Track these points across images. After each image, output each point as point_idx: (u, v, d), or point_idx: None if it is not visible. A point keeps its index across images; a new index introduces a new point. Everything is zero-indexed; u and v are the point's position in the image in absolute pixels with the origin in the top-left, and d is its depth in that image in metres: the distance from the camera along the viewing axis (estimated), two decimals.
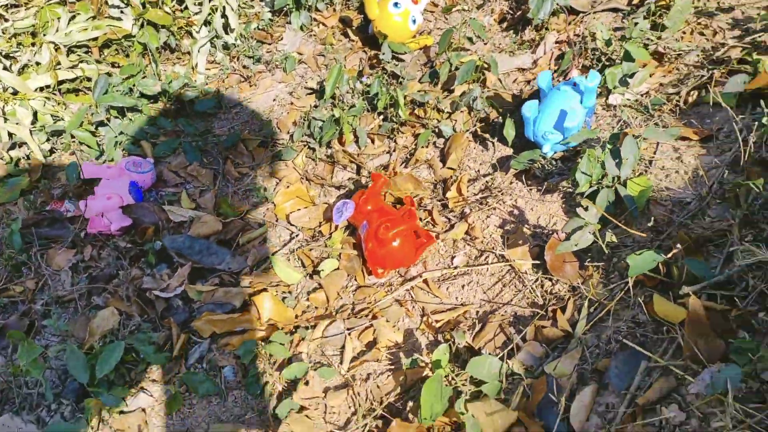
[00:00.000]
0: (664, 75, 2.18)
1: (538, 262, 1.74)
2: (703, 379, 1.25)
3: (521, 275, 1.74)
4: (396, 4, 2.51)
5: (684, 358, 1.34)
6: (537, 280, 1.71)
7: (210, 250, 1.99)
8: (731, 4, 2.32)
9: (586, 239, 1.58)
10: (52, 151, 2.44)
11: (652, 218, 1.62)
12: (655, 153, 1.90)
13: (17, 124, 2.43)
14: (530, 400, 1.43)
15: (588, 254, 1.68)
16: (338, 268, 1.91)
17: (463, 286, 1.79)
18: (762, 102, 1.66)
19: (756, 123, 1.69)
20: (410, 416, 1.49)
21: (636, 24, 2.22)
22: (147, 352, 1.73)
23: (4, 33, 2.68)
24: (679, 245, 1.48)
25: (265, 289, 1.86)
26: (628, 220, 1.69)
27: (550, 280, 1.69)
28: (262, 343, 1.74)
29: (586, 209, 1.59)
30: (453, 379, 1.47)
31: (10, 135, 2.44)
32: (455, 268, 1.83)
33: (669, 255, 1.47)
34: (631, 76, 2.14)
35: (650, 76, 2.18)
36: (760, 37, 2.10)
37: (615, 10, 2.48)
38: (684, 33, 2.30)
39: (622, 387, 1.38)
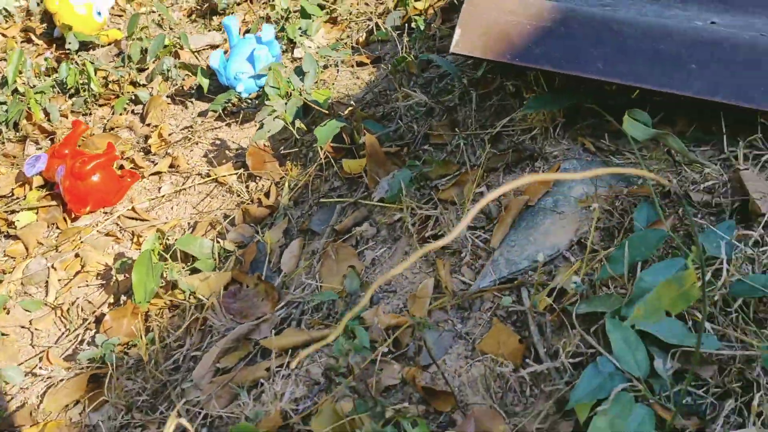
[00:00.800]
0: (338, 32, 2.43)
1: (241, 170, 1.81)
2: (382, 187, 1.38)
3: (228, 185, 1.79)
4: None
5: (369, 192, 1.48)
6: (243, 181, 1.76)
7: None
8: None
9: (276, 124, 1.68)
10: None
11: (342, 104, 1.78)
12: (336, 78, 2.09)
13: None
14: (243, 264, 1.46)
15: (283, 150, 1.78)
16: (36, 220, 1.79)
17: (172, 208, 1.78)
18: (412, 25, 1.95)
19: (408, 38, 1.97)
20: (123, 299, 1.44)
21: None
22: None
23: None
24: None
25: None
26: (314, 120, 1.84)
27: (254, 180, 1.76)
28: None
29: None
30: (164, 259, 1.45)
31: None
32: (163, 196, 1.82)
33: (350, 120, 1.63)
34: (309, 34, 2.35)
35: (327, 33, 2.41)
36: None
37: None
38: (352, 4, 2.59)
39: (322, 229, 1.47)
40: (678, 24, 1.26)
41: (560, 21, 1.24)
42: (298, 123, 1.70)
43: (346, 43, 2.28)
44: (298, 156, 1.78)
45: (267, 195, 1.67)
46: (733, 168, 1.13)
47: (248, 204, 1.66)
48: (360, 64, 2.13)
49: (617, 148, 1.27)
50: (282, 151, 1.79)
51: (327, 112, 1.70)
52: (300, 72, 1.92)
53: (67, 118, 2.21)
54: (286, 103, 1.77)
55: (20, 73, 2.28)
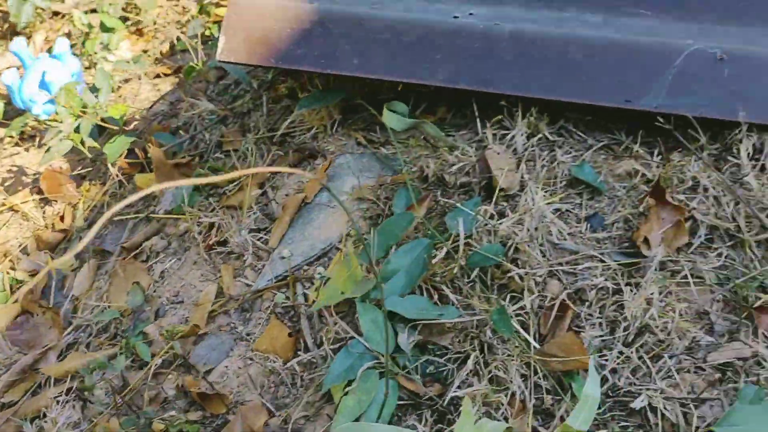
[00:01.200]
0: (146, 44, 2.39)
1: (36, 196, 1.74)
2: (167, 199, 1.38)
3: (24, 212, 1.72)
4: None
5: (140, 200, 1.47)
6: (39, 207, 1.70)
7: None
8: None
9: (64, 145, 1.63)
10: None
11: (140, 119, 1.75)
12: (138, 91, 2.06)
13: None
14: (34, 293, 1.41)
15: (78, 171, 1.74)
16: None
17: None
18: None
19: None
20: None
21: (104, 3, 2.40)
22: None
23: None
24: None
25: None
26: (112, 137, 1.80)
27: (51, 205, 1.70)
28: None
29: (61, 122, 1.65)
30: None
31: None
32: None
33: (142, 135, 1.61)
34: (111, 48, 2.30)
35: (132, 45, 2.36)
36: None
37: (94, 11, 2.63)
38: (159, 14, 2.55)
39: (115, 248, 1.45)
40: (430, 17, 1.33)
41: (317, 22, 1.29)
42: (90, 142, 1.66)
43: (150, 55, 2.25)
44: (96, 176, 1.74)
45: (62, 219, 1.62)
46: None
47: (41, 230, 1.61)
48: (162, 75, 2.10)
49: (386, 140, 1.33)
50: (77, 172, 1.74)
51: (122, 128, 1.67)
52: (95, 89, 1.88)
53: None
54: (79, 123, 1.72)
55: None
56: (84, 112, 1.83)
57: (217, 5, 2.31)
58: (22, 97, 2.00)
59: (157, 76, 2.09)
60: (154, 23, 2.44)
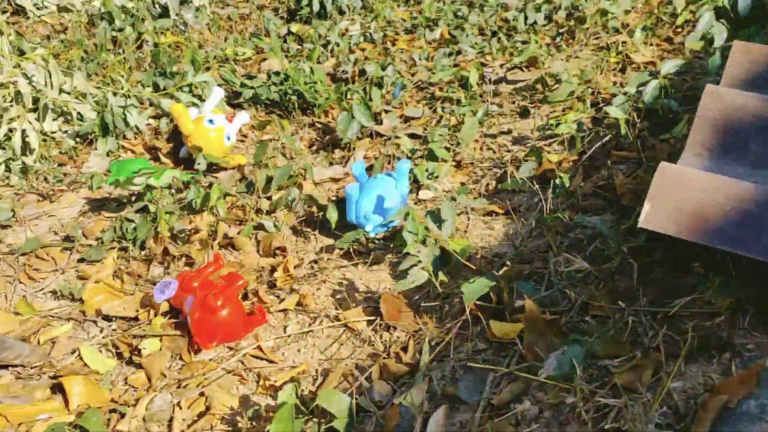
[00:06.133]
0: (463, 176, 2.41)
1: (373, 317, 1.73)
2: (551, 363, 1.28)
3: (358, 333, 1.71)
4: (211, 121, 2.57)
5: (528, 364, 1.37)
6: (376, 332, 1.68)
7: (5, 344, 1.73)
8: (509, 128, 2.68)
9: (421, 276, 1.62)
10: None
11: (480, 256, 1.71)
12: (467, 226, 2.04)
13: None
14: (384, 428, 1.35)
15: (423, 303, 1.71)
16: (160, 349, 1.74)
17: (299, 350, 1.71)
18: (554, 181, 1.92)
19: (549, 190, 1.92)
20: None
21: (435, 131, 2.47)
22: None
23: None
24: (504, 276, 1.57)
25: (75, 373, 1.63)
26: (452, 271, 1.77)
27: (388, 330, 1.68)
28: (75, 430, 1.49)
29: (418, 251, 1.65)
30: (303, 414, 1.36)
31: None
32: (289, 336, 1.76)
33: (499, 279, 1.55)
34: (435, 176, 2.34)
35: (452, 176, 2.39)
36: (538, 143, 2.43)
37: (412, 135, 2.74)
38: (474, 148, 2.59)
39: (474, 400, 1.36)
40: None
41: (764, 205, 1.16)
42: (440, 275, 1.63)
43: (472, 189, 2.25)
44: (434, 309, 1.70)
45: (404, 350, 1.58)
46: None
47: (385, 358, 1.57)
48: (491, 213, 2.08)
49: None
50: (419, 302, 1.71)
51: (473, 266, 1.63)
52: (436, 218, 1.88)
53: (188, 241, 2.20)
54: (426, 252, 1.71)
55: (151, 191, 2.31)
56: (425, 241, 1.83)
57: (545, 150, 2.29)
58: (357, 213, 2.06)
59: (488, 213, 2.07)
60: (473, 158, 2.47)
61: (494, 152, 2.51)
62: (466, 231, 2.01)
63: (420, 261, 1.63)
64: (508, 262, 1.68)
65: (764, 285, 1.24)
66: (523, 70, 3.13)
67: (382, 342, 1.65)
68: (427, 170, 2.31)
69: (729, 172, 1.42)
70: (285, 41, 3.77)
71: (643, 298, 1.41)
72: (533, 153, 2.26)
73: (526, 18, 3.54)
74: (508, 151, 2.48)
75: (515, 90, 2.93)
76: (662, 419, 1.13)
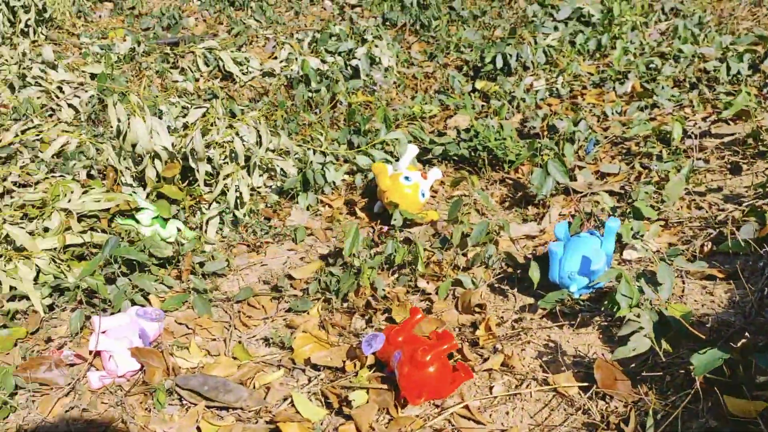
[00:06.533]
0: (670, 237, 2.29)
1: (585, 384, 1.66)
2: None
3: (569, 398, 1.65)
4: (407, 178, 2.65)
5: None
6: (591, 399, 1.61)
7: (227, 387, 1.85)
8: (719, 185, 2.52)
9: (643, 343, 1.53)
10: (51, 307, 2.33)
11: (708, 324, 1.60)
12: (683, 291, 1.92)
13: (20, 279, 2.35)
14: None
15: (640, 371, 1.62)
16: (368, 402, 1.77)
17: (507, 413, 1.67)
18: None
19: None
20: None
21: (641, 189, 2.38)
22: None
23: (11, 205, 2.71)
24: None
25: (290, 420, 1.70)
26: (672, 339, 1.66)
27: (603, 399, 1.60)
28: None
29: (638, 316, 1.57)
30: None
31: (11, 288, 2.34)
32: (495, 397, 1.73)
33: (734, 352, 1.43)
34: (641, 235, 2.24)
35: (658, 236, 2.28)
36: (756, 202, 2.25)
37: (610, 192, 2.65)
38: (681, 207, 2.45)
39: None
40: None
41: None
42: (664, 344, 1.54)
43: (684, 251, 2.12)
44: (654, 379, 1.60)
45: (625, 422, 1.49)
46: None
47: (603, 429, 1.49)
48: (709, 277, 1.95)
49: None
50: (636, 371, 1.62)
51: (702, 335, 1.52)
52: (651, 281, 1.79)
53: (386, 298, 2.25)
54: (646, 318, 1.62)
55: (353, 246, 2.40)
56: (640, 305, 1.74)
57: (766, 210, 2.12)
58: (561, 272, 2.01)
59: (706, 277, 1.94)
60: (680, 216, 2.33)
61: (705, 211, 2.36)
62: (681, 296, 1.89)
63: (642, 327, 1.55)
64: (747, 334, 1.55)
65: None
66: (728, 124, 2.95)
67: (598, 411, 1.57)
68: (632, 229, 2.22)
69: None
70: (470, 98, 3.83)
71: None
72: (753, 213, 2.10)
73: (728, 68, 3.35)
74: (721, 210, 2.32)
75: (722, 144, 2.76)
76: None
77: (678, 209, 2.42)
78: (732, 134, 2.80)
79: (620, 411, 1.55)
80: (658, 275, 1.75)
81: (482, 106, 3.73)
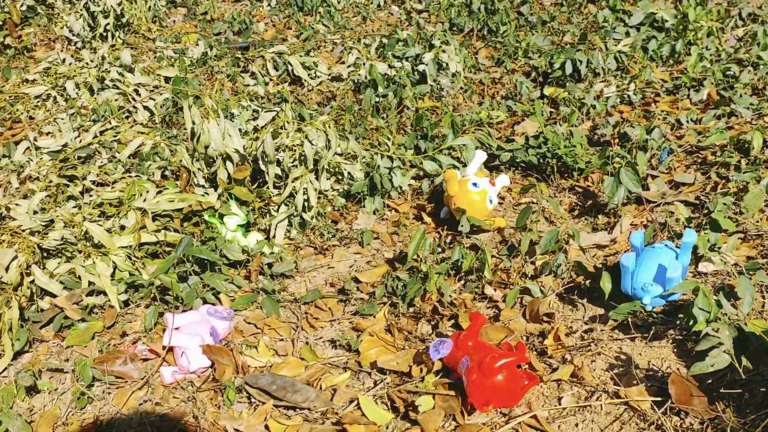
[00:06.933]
0: (749, 250, 2.21)
1: (659, 398, 1.62)
2: None
3: (642, 413, 1.61)
4: (475, 184, 2.64)
5: None
6: (665, 414, 1.57)
7: (294, 387, 1.88)
8: None
9: (722, 360, 1.49)
10: (127, 303, 2.41)
11: None
12: (764, 306, 1.86)
13: (98, 275, 2.44)
14: None
15: (717, 388, 1.57)
16: (434, 407, 1.77)
17: (576, 425, 1.65)
18: None
19: None
20: None
21: (719, 200, 2.31)
22: None
23: (90, 203, 2.81)
24: None
25: (357, 422, 1.71)
26: (752, 356, 1.61)
27: (678, 415, 1.56)
28: None
29: (717, 330, 1.52)
30: None
31: (90, 283, 2.44)
32: (564, 408, 1.70)
33: None
34: (718, 248, 2.17)
35: (736, 249, 2.21)
36: None
37: (685, 202, 2.58)
38: (760, 219, 2.37)
39: None
40: None
41: None
42: (744, 360, 1.49)
43: (765, 264, 2.05)
44: (731, 396, 1.55)
45: None
46: None
47: None
48: None
49: None
50: (712, 387, 1.58)
51: None
52: (729, 295, 1.73)
53: (453, 304, 2.24)
54: (726, 333, 1.57)
55: (419, 250, 2.41)
56: (718, 320, 1.69)
57: None
58: (633, 284, 1.97)
59: None
60: (760, 228, 2.26)
61: None
62: (762, 311, 1.83)
63: (721, 343, 1.50)
64: None
65: None
66: None
67: (672, 427, 1.53)
68: (709, 241, 2.15)
69: None
70: (539, 104, 3.79)
71: None
72: None
73: None
74: None
75: None
76: None
77: (757, 222, 2.34)
78: None
79: (695, 428, 1.51)
80: (738, 289, 1.69)
81: (551, 113, 3.68)
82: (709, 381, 1.61)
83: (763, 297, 1.89)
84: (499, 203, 2.90)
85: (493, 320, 2.14)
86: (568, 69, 4.02)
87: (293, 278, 2.54)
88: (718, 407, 1.53)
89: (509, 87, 4.16)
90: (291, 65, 4.32)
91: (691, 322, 1.70)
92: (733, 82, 3.51)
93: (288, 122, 3.23)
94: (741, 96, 3.27)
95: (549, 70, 4.14)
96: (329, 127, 2.92)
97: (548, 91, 3.94)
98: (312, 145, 2.97)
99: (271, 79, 4.32)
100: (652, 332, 1.85)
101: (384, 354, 2.02)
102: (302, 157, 2.93)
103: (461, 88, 4.13)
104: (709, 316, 1.67)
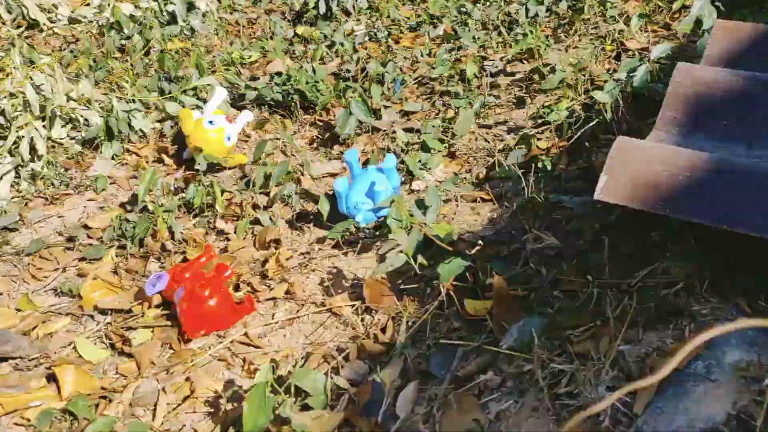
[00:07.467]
0: (457, 167, 2.44)
1: (357, 302, 1.77)
2: (511, 335, 1.30)
3: (342, 317, 1.75)
4: (211, 122, 2.64)
5: (494, 337, 1.40)
6: (358, 316, 1.72)
7: (3, 338, 1.81)
8: (505, 118, 2.70)
9: (399, 259, 1.65)
10: None
11: (462, 241, 1.73)
12: (455, 213, 2.07)
13: None
14: (356, 404, 1.39)
15: (403, 286, 1.74)
16: (152, 339, 1.80)
17: (284, 336, 1.75)
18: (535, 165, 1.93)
19: (533, 176, 1.94)
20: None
21: (428, 123, 2.50)
22: None
23: None
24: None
25: (69, 364, 1.69)
26: (435, 256, 1.79)
27: (370, 313, 1.71)
28: (65, 415, 1.55)
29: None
30: (277, 392, 1.40)
31: None
32: (276, 323, 1.80)
33: (476, 259, 1.57)
34: (429, 167, 2.36)
35: (444, 167, 2.42)
36: (530, 132, 2.44)
37: (411, 129, 2.77)
38: (470, 139, 2.61)
39: (443, 374, 1.39)
40: None
41: (715, 173, 1.17)
42: (420, 258, 1.66)
43: (464, 178, 2.27)
44: (416, 291, 1.73)
45: (383, 330, 1.61)
46: None
47: (363, 339, 1.61)
48: (480, 200, 2.10)
49: None
50: (400, 286, 1.75)
51: (449, 248, 1.65)
52: (421, 205, 1.91)
53: (186, 242, 2.26)
54: (407, 236, 1.74)
55: (150, 191, 2.38)
56: (411, 227, 1.86)
57: (537, 138, 2.30)
58: (347, 204, 2.10)
59: (475, 200, 2.09)
60: (468, 148, 2.49)
61: (488, 142, 2.53)
62: (453, 217, 2.03)
63: (398, 245, 1.66)
64: (481, 242, 1.69)
65: (718, 251, 1.25)
66: (522, 63, 3.14)
67: (363, 324, 1.69)
68: (419, 161, 2.34)
69: (696, 147, 1.42)
70: (291, 43, 3.84)
71: (610, 273, 1.42)
72: (522, 140, 2.27)
73: (527, 11, 3.54)
74: (502, 140, 2.49)
75: (513, 82, 2.94)
76: (614, 382, 1.15)
77: (468, 142, 2.57)
78: (522, 72, 2.99)
79: (382, 322, 1.67)
80: (426, 200, 1.87)
81: (302, 51, 3.74)
82: (399, 281, 1.78)
83: (457, 206, 2.10)
84: (244, 141, 2.93)
85: (224, 252, 2.18)
86: (322, 8, 4.09)
87: (18, 231, 2.41)
88: (403, 303, 1.69)
89: (265, 27, 4.16)
90: (26, 8, 3.99)
91: (388, 232, 1.86)
92: (467, 18, 3.77)
93: (15, 68, 3.00)
94: (469, 30, 3.53)
95: (303, 10, 4.19)
96: (53, 70, 2.76)
97: (300, 30, 4.00)
98: (38, 90, 2.79)
99: (3, 23, 3.96)
100: (359, 246, 1.99)
101: (106, 296, 1.99)
102: (26, 104, 2.75)
103: (215, 28, 4.06)
104: (403, 225, 1.83)
